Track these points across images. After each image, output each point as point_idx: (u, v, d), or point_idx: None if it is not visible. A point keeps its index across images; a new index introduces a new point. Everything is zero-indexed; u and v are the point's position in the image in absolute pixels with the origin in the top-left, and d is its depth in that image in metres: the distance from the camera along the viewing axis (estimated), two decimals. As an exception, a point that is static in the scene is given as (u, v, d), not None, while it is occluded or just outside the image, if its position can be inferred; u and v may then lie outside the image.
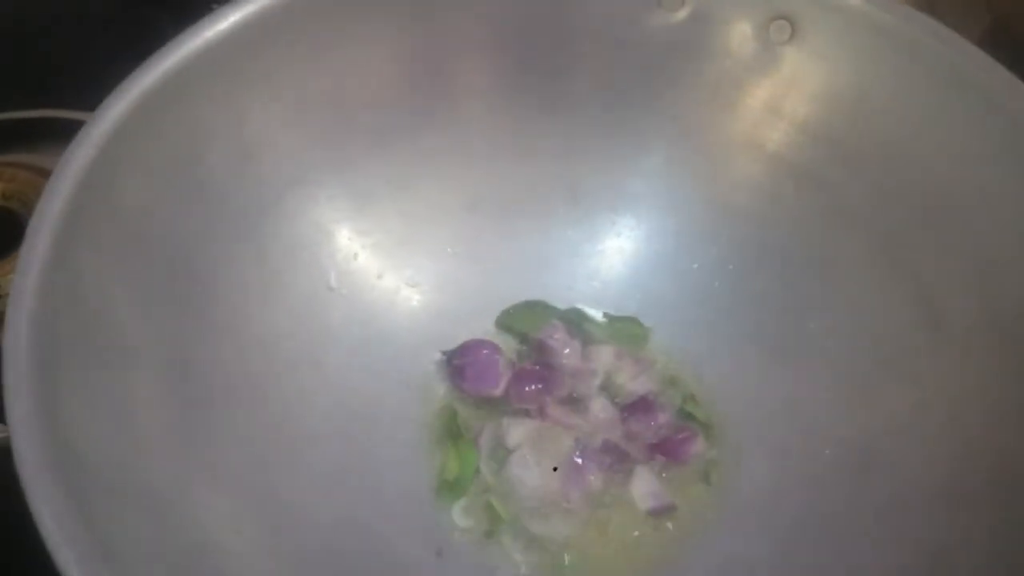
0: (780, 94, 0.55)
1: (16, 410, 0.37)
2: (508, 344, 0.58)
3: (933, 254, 0.52)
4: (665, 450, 0.53)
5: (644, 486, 0.52)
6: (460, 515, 0.51)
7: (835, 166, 0.55)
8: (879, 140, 0.54)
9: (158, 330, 0.46)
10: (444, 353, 0.56)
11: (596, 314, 0.59)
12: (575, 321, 0.58)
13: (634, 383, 0.56)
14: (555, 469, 0.52)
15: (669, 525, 0.52)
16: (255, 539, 0.45)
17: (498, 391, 0.55)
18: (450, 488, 0.52)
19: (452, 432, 0.54)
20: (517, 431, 0.53)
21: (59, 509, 0.35)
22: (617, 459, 0.53)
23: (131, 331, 0.45)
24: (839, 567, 0.48)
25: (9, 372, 0.38)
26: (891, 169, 0.54)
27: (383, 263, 0.57)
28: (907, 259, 0.53)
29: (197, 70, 0.48)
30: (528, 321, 0.58)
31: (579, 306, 0.59)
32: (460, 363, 0.55)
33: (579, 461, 0.52)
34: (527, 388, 0.55)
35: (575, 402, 0.55)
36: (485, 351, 0.56)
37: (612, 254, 0.60)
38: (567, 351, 0.56)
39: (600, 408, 0.54)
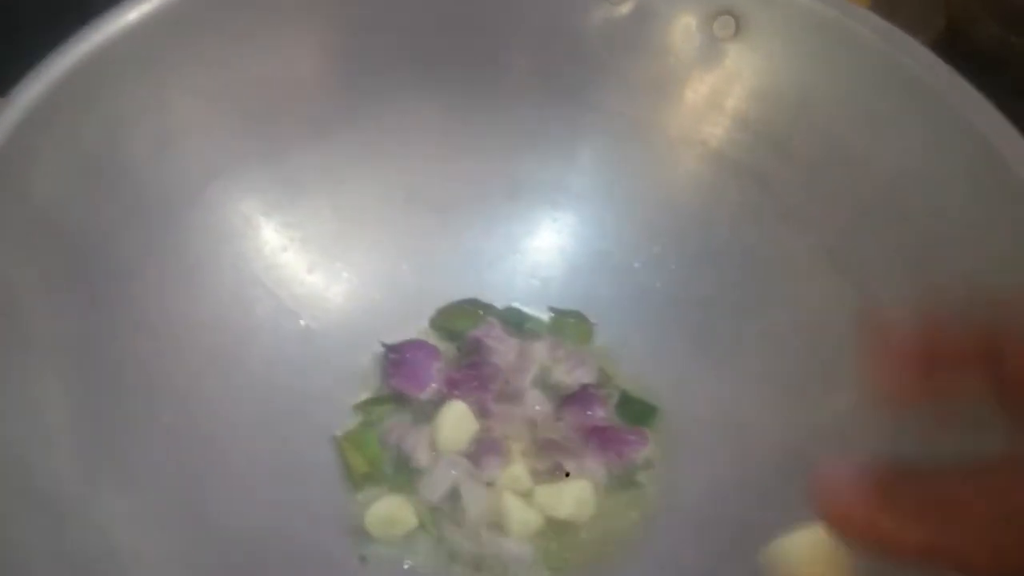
0: (723, 91, 0.54)
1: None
2: (442, 345, 0.56)
3: (876, 256, 0.51)
4: (608, 441, 0.52)
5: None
6: (373, 521, 0.49)
7: (778, 165, 0.54)
8: (823, 139, 0.53)
9: (66, 322, 0.44)
10: (384, 345, 0.54)
11: (536, 312, 0.58)
12: (513, 320, 0.57)
13: (570, 376, 0.54)
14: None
15: (597, 531, 0.50)
16: (167, 546, 0.43)
17: (423, 394, 0.53)
18: (365, 481, 0.51)
19: (360, 426, 0.53)
20: (424, 442, 0.51)
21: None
22: (555, 452, 0.52)
23: (36, 323, 0.42)
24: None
25: None
26: (834, 168, 0.52)
27: (313, 258, 0.56)
28: (850, 261, 0.52)
29: (116, 53, 0.46)
30: (463, 320, 0.56)
31: (517, 304, 0.58)
32: (395, 358, 0.54)
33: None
34: (464, 390, 0.53)
35: (511, 398, 0.53)
36: (422, 352, 0.55)
37: (552, 251, 0.59)
38: (503, 348, 0.54)
39: (534, 402, 0.53)
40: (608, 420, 0.53)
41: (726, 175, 0.55)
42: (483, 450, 0.52)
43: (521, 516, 0.49)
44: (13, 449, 0.39)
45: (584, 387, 0.54)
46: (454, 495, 0.50)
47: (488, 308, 0.57)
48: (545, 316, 0.58)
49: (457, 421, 0.52)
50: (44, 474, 0.40)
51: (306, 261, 0.55)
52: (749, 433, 0.52)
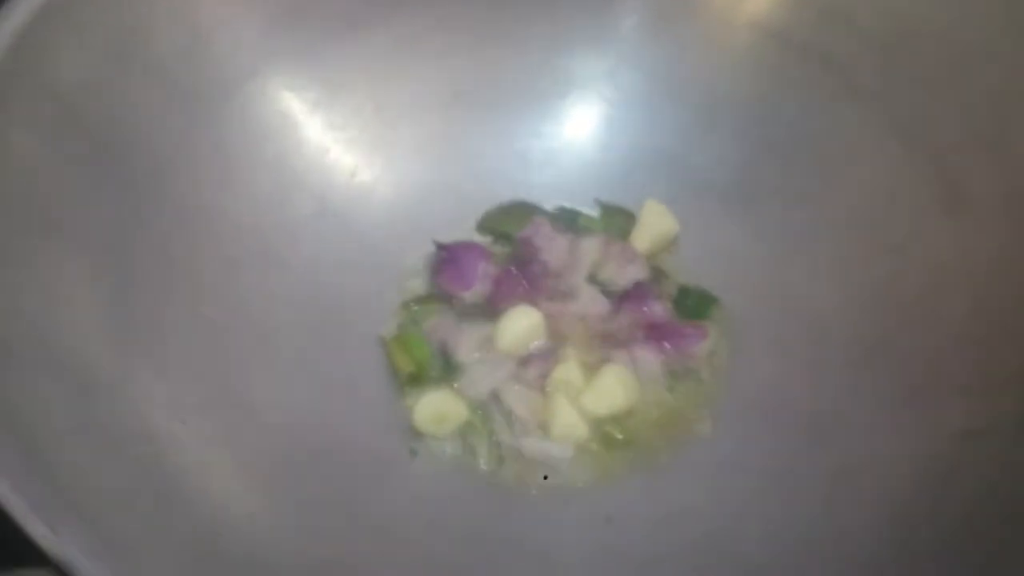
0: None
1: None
2: (493, 247, 0.54)
3: (951, 131, 0.48)
4: (667, 336, 0.49)
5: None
6: (421, 417, 0.47)
7: (844, 41, 0.51)
8: (892, 9, 0.49)
9: (96, 211, 0.42)
10: (436, 244, 0.52)
11: (590, 211, 0.55)
12: (564, 219, 0.54)
13: (622, 273, 0.52)
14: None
15: (659, 425, 0.48)
16: (207, 432, 0.41)
17: (467, 294, 0.51)
18: (412, 381, 0.49)
19: (403, 326, 0.51)
20: (468, 341, 0.49)
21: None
22: (607, 346, 0.49)
23: (64, 210, 0.41)
24: (845, 469, 0.44)
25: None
26: (905, 41, 0.49)
27: (357, 159, 0.53)
28: (924, 138, 0.48)
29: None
30: (511, 222, 0.54)
31: (568, 204, 0.55)
32: (444, 256, 0.52)
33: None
34: (511, 290, 0.51)
35: (564, 296, 0.51)
36: (471, 252, 0.52)
37: (606, 149, 0.56)
38: (552, 247, 0.52)
39: (589, 299, 0.50)
40: (666, 315, 0.50)
41: (790, 57, 0.52)
42: (533, 352, 0.50)
43: (567, 420, 0.47)
44: (38, 326, 0.37)
45: (639, 283, 0.51)
46: (500, 393, 0.48)
47: (536, 208, 0.54)
48: (596, 213, 0.55)
49: (525, 328, 0.49)
50: (73, 354, 0.38)
51: (350, 163, 0.53)
52: (821, 322, 0.49)
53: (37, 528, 0.30)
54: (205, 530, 0.38)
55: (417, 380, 0.48)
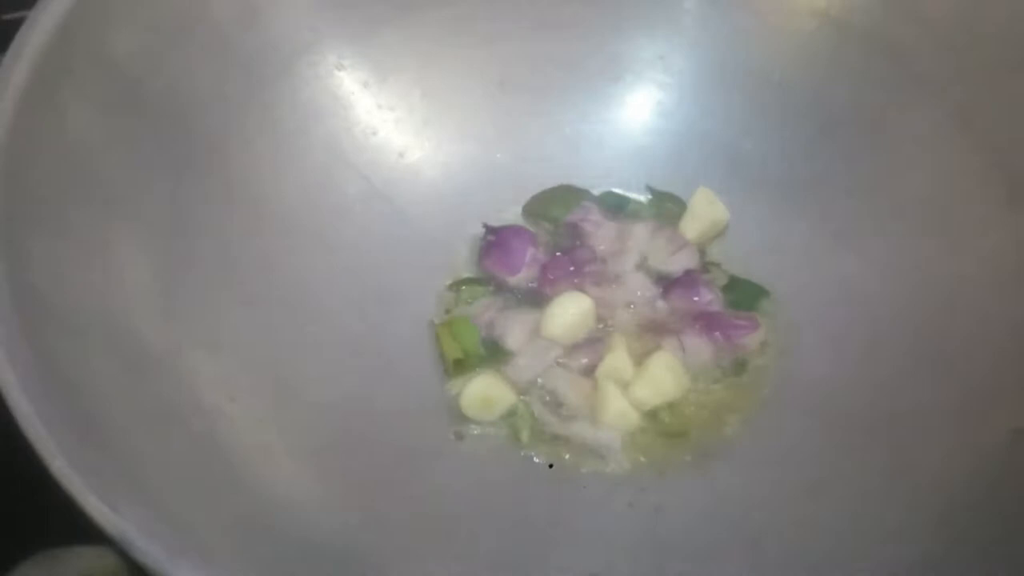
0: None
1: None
2: (539, 231, 0.53)
3: (1015, 123, 0.47)
4: (719, 326, 0.49)
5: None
6: (468, 401, 0.47)
7: (908, 30, 0.50)
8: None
9: (150, 186, 0.43)
10: (485, 226, 0.52)
11: (638, 197, 0.54)
12: (612, 204, 0.53)
13: (671, 261, 0.51)
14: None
15: (706, 418, 0.47)
16: (252, 408, 0.41)
17: (515, 278, 0.51)
18: (458, 367, 0.48)
19: (451, 310, 0.51)
20: (516, 327, 0.49)
21: (16, 348, 0.32)
22: (656, 334, 0.49)
23: (119, 184, 0.41)
24: (898, 466, 0.43)
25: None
26: (969, 31, 0.48)
27: (405, 140, 0.53)
28: (987, 131, 0.47)
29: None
30: (559, 206, 0.53)
31: (617, 190, 0.54)
32: (492, 240, 0.51)
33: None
34: (559, 275, 0.50)
35: (611, 282, 0.50)
36: (518, 236, 0.52)
37: (656, 135, 0.55)
38: (600, 232, 0.51)
39: (637, 286, 0.50)
40: (718, 305, 0.50)
41: (847, 44, 0.51)
42: (581, 340, 0.49)
43: (618, 408, 0.46)
44: (94, 300, 0.37)
45: (688, 272, 0.51)
46: (547, 379, 0.48)
47: (584, 193, 0.54)
48: (645, 200, 0.54)
49: (575, 315, 0.49)
50: (127, 330, 0.38)
51: (398, 144, 0.53)
52: (875, 318, 0.48)
53: (96, 506, 0.29)
54: (256, 508, 0.38)
55: (463, 366, 0.48)
